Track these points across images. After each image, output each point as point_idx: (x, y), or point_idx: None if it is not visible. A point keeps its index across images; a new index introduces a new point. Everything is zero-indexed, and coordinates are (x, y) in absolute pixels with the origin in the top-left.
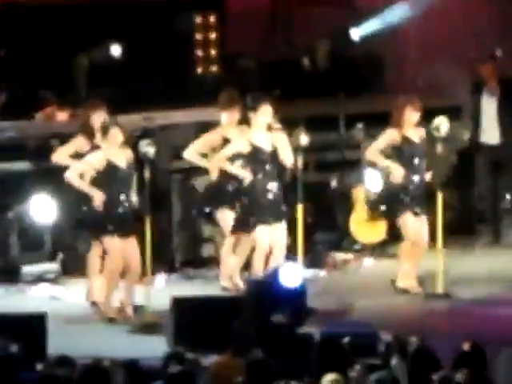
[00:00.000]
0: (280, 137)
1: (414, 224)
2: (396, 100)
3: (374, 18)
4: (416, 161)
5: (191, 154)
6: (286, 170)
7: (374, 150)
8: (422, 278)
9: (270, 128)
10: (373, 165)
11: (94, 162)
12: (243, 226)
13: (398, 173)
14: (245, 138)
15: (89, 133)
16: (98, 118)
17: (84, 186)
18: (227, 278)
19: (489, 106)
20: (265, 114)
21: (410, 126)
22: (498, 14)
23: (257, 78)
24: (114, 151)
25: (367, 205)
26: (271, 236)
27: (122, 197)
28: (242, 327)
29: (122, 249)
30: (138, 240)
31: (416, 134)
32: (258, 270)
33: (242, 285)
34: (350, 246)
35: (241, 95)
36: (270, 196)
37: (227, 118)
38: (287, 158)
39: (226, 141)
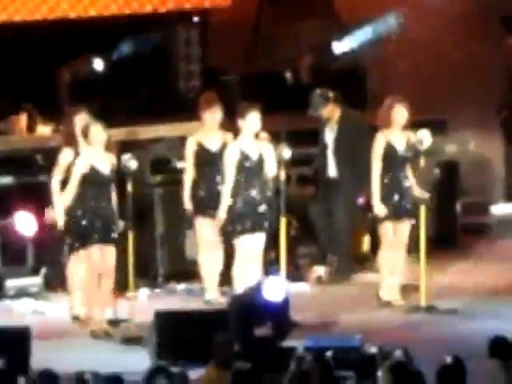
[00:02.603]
0: (266, 147)
1: (391, 232)
2: (384, 102)
3: (357, 31)
4: (398, 167)
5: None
6: (268, 182)
7: (376, 173)
8: (405, 290)
9: (257, 136)
10: None
11: (79, 170)
12: (224, 234)
13: (378, 210)
14: (234, 144)
15: (72, 142)
16: (80, 122)
17: (57, 206)
18: (211, 291)
19: None
20: (253, 120)
21: (398, 127)
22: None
23: (239, 92)
24: (97, 155)
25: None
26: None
27: (104, 203)
28: (225, 340)
29: (102, 258)
30: (119, 252)
31: (402, 139)
32: (240, 281)
33: (221, 298)
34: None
35: (223, 109)
36: (252, 205)
37: (209, 117)
38: (271, 169)
39: (200, 146)
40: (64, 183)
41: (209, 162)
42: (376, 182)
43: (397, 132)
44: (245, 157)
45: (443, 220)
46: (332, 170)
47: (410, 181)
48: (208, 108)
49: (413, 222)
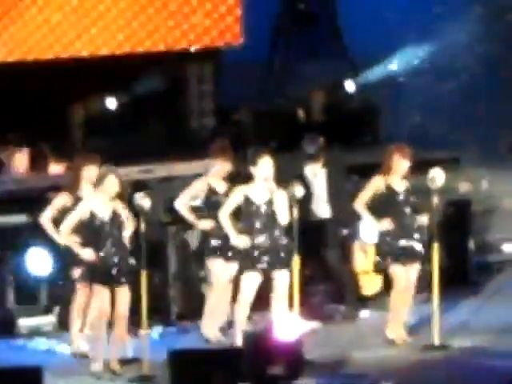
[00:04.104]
0: (279, 193)
1: (402, 274)
2: (387, 148)
3: (369, 69)
4: (399, 212)
5: (180, 206)
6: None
7: (360, 201)
8: (418, 328)
9: (269, 182)
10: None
11: (79, 215)
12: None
13: (379, 227)
14: (241, 191)
15: (74, 187)
16: (89, 172)
17: (75, 245)
18: (212, 330)
19: None
20: (265, 166)
21: (399, 174)
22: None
23: (252, 130)
24: (100, 202)
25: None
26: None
27: (109, 248)
28: (232, 378)
29: (110, 299)
30: (132, 293)
31: (402, 185)
32: (241, 320)
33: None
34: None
35: (236, 148)
36: (258, 249)
37: (219, 167)
38: (283, 216)
39: (211, 191)
40: (55, 223)
41: (219, 206)
42: (363, 211)
43: (397, 178)
44: (252, 203)
45: (456, 258)
46: (324, 212)
47: (416, 224)
48: (218, 158)
49: (419, 266)
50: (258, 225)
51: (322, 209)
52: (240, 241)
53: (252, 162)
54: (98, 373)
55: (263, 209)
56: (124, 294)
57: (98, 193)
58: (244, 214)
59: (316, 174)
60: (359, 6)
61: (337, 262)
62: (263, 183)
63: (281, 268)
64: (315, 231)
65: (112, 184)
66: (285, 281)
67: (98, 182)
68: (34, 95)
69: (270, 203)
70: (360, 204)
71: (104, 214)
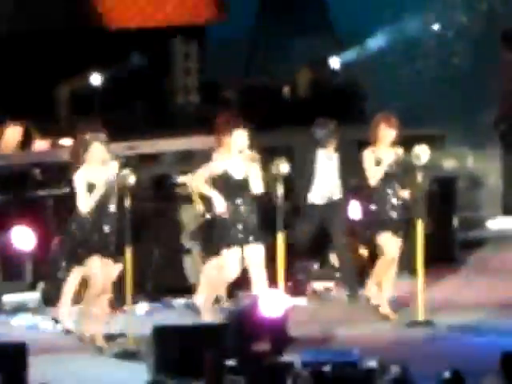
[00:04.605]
0: (252, 165)
1: (393, 242)
2: (374, 118)
3: (354, 46)
4: (388, 183)
5: (199, 181)
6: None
7: (375, 179)
8: (403, 305)
9: (243, 154)
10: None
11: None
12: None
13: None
14: (219, 163)
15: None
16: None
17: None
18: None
19: None
20: (240, 138)
21: (385, 144)
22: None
23: (237, 107)
24: (95, 170)
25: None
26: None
27: (104, 218)
28: (214, 357)
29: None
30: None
31: (390, 155)
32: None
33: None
34: (332, 274)
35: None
36: (241, 222)
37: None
38: (256, 186)
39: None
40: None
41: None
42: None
43: (384, 149)
44: (229, 175)
45: (440, 235)
46: (335, 194)
47: (400, 197)
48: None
49: (401, 238)
50: (233, 197)
51: (334, 191)
52: (224, 207)
53: (228, 134)
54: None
55: (238, 181)
56: (109, 266)
57: (88, 163)
58: (219, 187)
59: (330, 157)
60: None
61: (342, 244)
62: (238, 155)
63: (255, 242)
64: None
65: (98, 151)
66: (260, 254)
67: (84, 151)
68: (19, 71)
69: (245, 175)
70: (375, 180)
71: (99, 182)
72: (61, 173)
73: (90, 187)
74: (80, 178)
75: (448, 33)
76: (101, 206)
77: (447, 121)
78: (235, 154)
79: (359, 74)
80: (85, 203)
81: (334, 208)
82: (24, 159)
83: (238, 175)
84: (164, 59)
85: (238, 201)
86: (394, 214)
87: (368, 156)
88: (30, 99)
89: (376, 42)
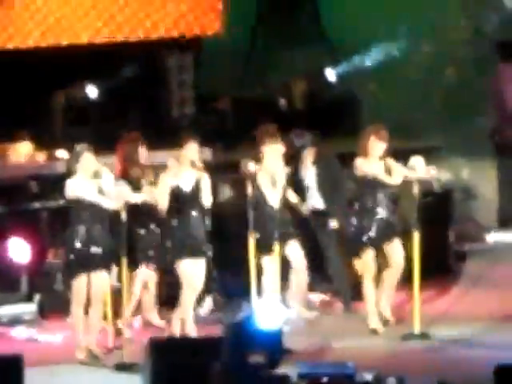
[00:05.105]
0: (203, 177)
1: (371, 261)
2: (364, 131)
3: (350, 57)
4: (376, 195)
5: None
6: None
7: None
8: (399, 317)
9: (194, 166)
10: None
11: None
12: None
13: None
14: (168, 178)
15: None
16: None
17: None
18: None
19: None
20: (191, 150)
21: (375, 156)
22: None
23: (232, 119)
24: (86, 181)
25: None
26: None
27: (97, 229)
28: (220, 368)
29: (88, 283)
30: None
31: (379, 167)
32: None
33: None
34: (327, 286)
35: (216, 137)
36: (191, 233)
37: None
38: (206, 199)
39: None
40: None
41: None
42: None
43: (374, 161)
44: (178, 188)
45: (436, 247)
46: (318, 203)
47: (389, 208)
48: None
49: (399, 241)
50: (185, 209)
51: (316, 201)
52: None
53: (180, 145)
54: (83, 360)
55: (189, 193)
56: (101, 279)
57: (78, 172)
58: (172, 200)
59: (307, 167)
60: None
61: (332, 253)
62: (190, 167)
63: (198, 256)
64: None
65: (88, 162)
66: (202, 270)
67: (74, 161)
68: (14, 84)
69: (196, 187)
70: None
71: (88, 195)
72: (56, 185)
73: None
74: (72, 187)
75: (443, 44)
76: (97, 216)
77: (442, 133)
78: (186, 166)
79: (354, 85)
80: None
81: (318, 219)
82: (20, 171)
83: (187, 187)
84: (159, 71)
85: (191, 213)
86: (379, 227)
87: (360, 163)
88: (25, 111)
89: (371, 54)
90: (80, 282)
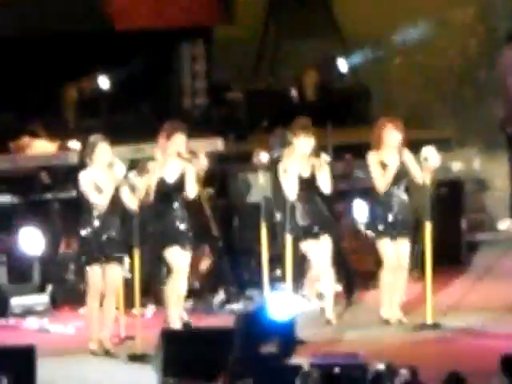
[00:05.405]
0: (188, 168)
1: (391, 250)
2: (378, 121)
3: (361, 48)
4: (392, 186)
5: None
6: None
7: (382, 186)
8: (411, 308)
9: (180, 157)
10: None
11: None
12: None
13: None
14: (155, 171)
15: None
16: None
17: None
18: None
19: None
20: (177, 142)
21: (391, 148)
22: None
23: (244, 109)
24: (100, 174)
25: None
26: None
27: (110, 222)
28: (232, 359)
29: (103, 275)
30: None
31: (395, 158)
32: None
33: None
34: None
35: (229, 128)
36: (176, 224)
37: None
38: (190, 191)
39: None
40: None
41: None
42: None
43: (389, 152)
44: (163, 180)
45: (448, 237)
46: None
47: (406, 199)
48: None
49: (409, 242)
50: (173, 202)
51: None
52: None
53: (166, 136)
54: (95, 351)
55: (176, 185)
56: (114, 271)
57: (93, 163)
58: (158, 193)
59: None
60: None
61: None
62: (174, 159)
63: (182, 244)
64: None
65: (103, 152)
66: (187, 260)
67: (89, 152)
68: (25, 73)
69: (181, 178)
70: (383, 188)
71: (106, 186)
72: (68, 175)
73: (97, 189)
74: (86, 179)
75: (455, 34)
76: (110, 207)
77: (454, 123)
78: (172, 157)
79: (366, 76)
80: (100, 203)
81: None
82: (31, 162)
83: (172, 179)
84: (171, 61)
85: (174, 204)
86: (396, 219)
87: (373, 161)
88: (36, 101)
89: (382, 44)
90: (95, 274)
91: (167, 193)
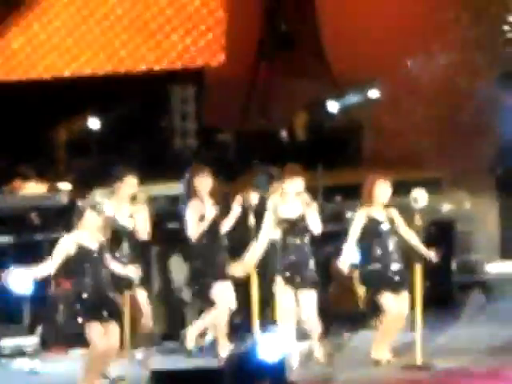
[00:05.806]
0: (140, 210)
1: (393, 302)
2: (367, 177)
3: (352, 90)
4: (385, 240)
5: None
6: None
7: (350, 242)
8: (401, 349)
9: (133, 200)
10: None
11: (65, 249)
12: None
13: None
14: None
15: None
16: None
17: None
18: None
19: None
20: (130, 185)
21: (380, 203)
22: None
23: (234, 150)
24: (87, 234)
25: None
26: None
27: (98, 280)
28: None
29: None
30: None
31: (384, 215)
32: None
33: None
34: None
35: (218, 168)
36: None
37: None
38: (142, 232)
39: None
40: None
41: None
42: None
43: (379, 207)
44: (118, 225)
45: (438, 278)
46: None
47: (397, 252)
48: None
49: (408, 294)
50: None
51: None
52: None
53: (118, 178)
54: None
55: (128, 228)
56: (113, 329)
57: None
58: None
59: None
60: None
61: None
62: (126, 203)
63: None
64: None
65: (93, 219)
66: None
67: (79, 218)
68: (16, 116)
69: (131, 221)
70: (351, 245)
71: (93, 245)
72: (58, 216)
73: (82, 249)
74: (69, 242)
75: (447, 74)
76: (95, 267)
77: (444, 164)
78: (125, 201)
79: (356, 117)
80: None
81: None
82: (21, 203)
83: (127, 223)
84: (161, 103)
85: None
86: (394, 272)
87: (359, 215)
88: (26, 143)
89: (373, 85)
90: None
91: (120, 235)
